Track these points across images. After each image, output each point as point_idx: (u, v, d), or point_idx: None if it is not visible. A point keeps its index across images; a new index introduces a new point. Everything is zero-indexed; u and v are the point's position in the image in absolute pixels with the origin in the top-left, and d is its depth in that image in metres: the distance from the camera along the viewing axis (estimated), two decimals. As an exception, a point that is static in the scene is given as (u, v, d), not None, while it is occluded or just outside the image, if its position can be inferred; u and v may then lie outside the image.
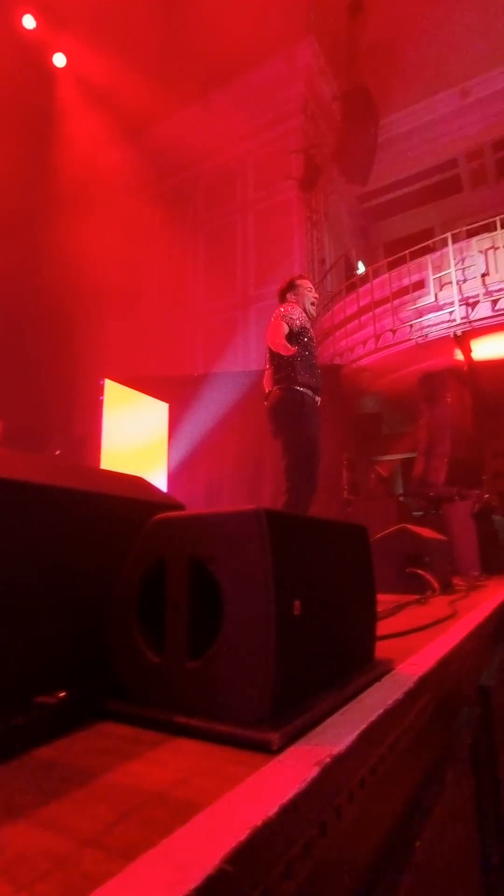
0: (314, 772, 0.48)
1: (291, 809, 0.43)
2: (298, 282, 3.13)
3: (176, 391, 6.87)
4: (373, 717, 0.63)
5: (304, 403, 2.75)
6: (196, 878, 0.32)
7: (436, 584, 2.38)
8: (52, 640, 0.65)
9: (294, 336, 2.80)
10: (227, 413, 6.83)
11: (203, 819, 0.39)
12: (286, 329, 2.74)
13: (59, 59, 8.56)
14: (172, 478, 6.35)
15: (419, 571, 2.47)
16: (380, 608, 1.84)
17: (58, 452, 6.26)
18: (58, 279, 9.85)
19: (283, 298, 3.08)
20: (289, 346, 2.68)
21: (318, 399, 2.87)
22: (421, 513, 5.93)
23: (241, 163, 11.02)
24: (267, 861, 0.38)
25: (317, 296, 3.17)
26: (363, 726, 0.60)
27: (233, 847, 0.35)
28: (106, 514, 0.79)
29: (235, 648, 0.58)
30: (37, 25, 8.00)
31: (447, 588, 2.63)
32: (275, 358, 2.80)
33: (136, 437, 6.16)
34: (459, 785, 1.32)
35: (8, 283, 7.30)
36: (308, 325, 2.92)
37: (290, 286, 3.11)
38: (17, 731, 0.56)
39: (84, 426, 6.87)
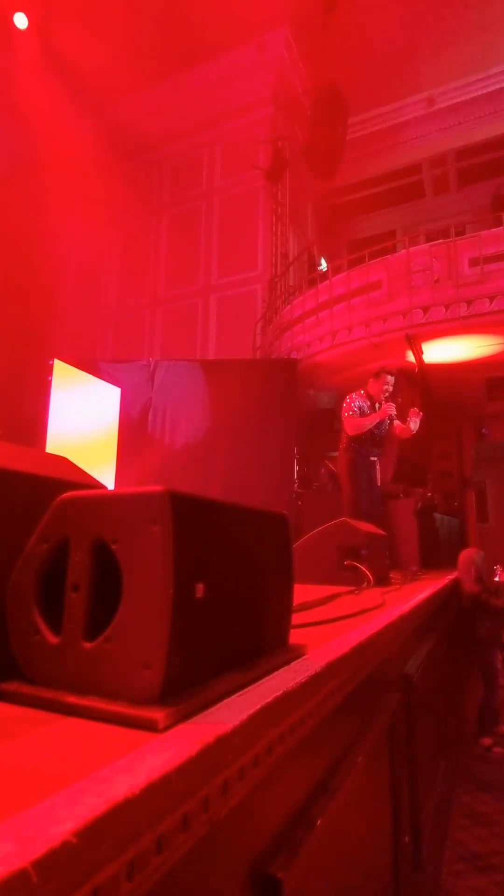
0: (194, 750, 0.48)
1: (162, 785, 0.43)
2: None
3: (130, 376, 6.74)
4: (269, 699, 0.64)
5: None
6: (38, 850, 0.32)
7: (370, 577, 2.45)
8: None
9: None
10: (181, 400, 6.76)
11: (63, 795, 0.38)
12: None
13: (21, 20, 8.15)
14: (121, 464, 6.24)
15: (356, 564, 2.54)
16: (315, 598, 1.89)
17: None
18: (12, 254, 9.44)
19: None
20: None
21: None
22: (368, 508, 6.06)
23: (209, 148, 10.86)
24: (127, 835, 0.38)
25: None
26: (257, 707, 0.61)
27: (86, 820, 0.35)
28: (15, 491, 0.77)
29: (131, 630, 0.58)
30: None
31: (382, 581, 2.71)
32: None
33: (85, 420, 6.00)
34: (373, 767, 1.38)
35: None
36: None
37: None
38: None
39: (32, 408, 6.64)
